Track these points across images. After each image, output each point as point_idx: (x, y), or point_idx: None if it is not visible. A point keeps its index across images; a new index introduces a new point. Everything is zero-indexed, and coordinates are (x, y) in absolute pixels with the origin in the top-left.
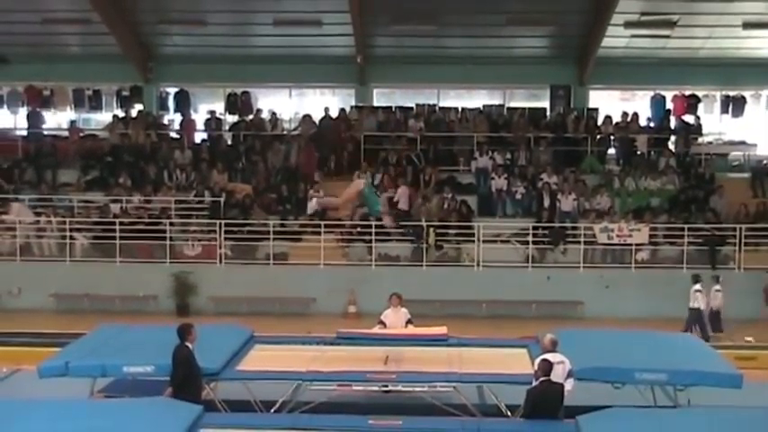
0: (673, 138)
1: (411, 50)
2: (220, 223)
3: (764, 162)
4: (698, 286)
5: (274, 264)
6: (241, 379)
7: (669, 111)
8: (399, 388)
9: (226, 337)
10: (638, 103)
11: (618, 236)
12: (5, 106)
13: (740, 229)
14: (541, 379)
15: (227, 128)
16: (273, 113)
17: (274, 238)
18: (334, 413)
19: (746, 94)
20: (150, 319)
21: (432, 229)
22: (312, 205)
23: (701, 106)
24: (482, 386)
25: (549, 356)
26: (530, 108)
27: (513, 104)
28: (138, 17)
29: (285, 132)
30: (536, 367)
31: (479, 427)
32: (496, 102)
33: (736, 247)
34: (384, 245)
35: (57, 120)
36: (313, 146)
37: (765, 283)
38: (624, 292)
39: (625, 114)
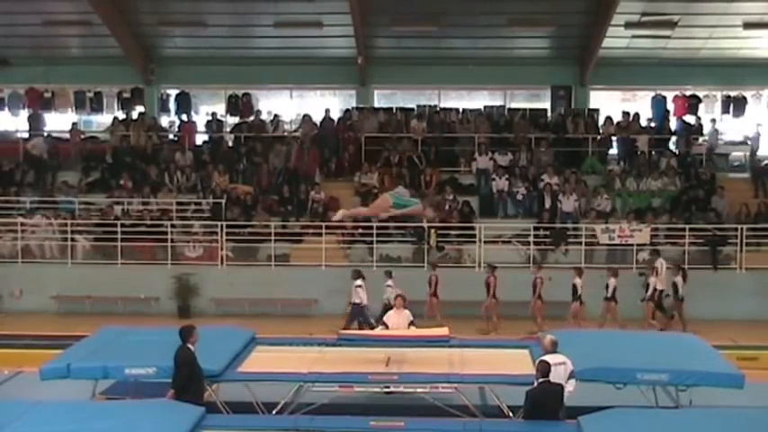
0: (674, 138)
1: (412, 51)
2: (222, 225)
3: (765, 162)
4: (359, 281)
5: (276, 265)
6: (243, 380)
7: (669, 111)
8: (401, 389)
9: (227, 339)
10: (639, 104)
11: (619, 236)
12: (6, 108)
13: (741, 229)
14: (540, 380)
15: (228, 129)
16: (275, 115)
17: (276, 240)
18: (335, 414)
19: (747, 94)
20: (152, 320)
21: (433, 230)
22: (338, 217)
23: (701, 106)
24: (484, 387)
25: (550, 357)
26: (531, 109)
27: (513, 105)
28: (138, 19)
29: (286, 134)
30: (536, 369)
31: (481, 428)
32: (497, 102)
33: (738, 248)
34: (385, 246)
35: (58, 122)
36: (314, 147)
37: (645, 283)
38: (626, 292)
39: (626, 115)
